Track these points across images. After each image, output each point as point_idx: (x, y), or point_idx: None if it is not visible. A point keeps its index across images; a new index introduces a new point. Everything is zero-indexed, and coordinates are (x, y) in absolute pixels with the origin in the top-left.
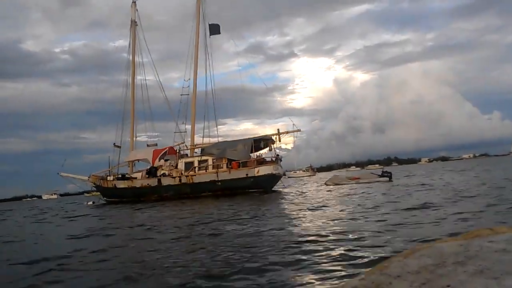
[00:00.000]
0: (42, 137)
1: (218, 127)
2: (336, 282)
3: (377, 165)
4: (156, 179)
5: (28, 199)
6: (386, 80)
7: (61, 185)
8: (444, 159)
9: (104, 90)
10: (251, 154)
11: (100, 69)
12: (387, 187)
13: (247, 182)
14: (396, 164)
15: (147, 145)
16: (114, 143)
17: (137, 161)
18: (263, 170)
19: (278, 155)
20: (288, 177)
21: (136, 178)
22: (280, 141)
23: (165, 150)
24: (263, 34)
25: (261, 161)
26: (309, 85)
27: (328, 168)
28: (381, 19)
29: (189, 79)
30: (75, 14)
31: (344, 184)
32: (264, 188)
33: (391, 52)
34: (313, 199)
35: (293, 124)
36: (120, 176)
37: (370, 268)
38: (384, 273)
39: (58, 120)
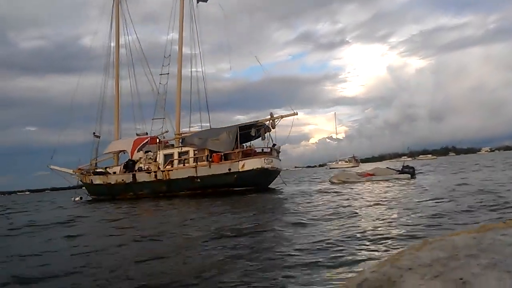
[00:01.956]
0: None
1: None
2: None
3: (429, 155)
4: (131, 175)
5: None
6: (443, 66)
7: None
8: (507, 148)
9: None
10: (244, 144)
11: (151, 61)
12: (400, 188)
13: (230, 179)
14: (454, 154)
15: (136, 135)
16: (94, 133)
17: (118, 153)
18: (250, 164)
19: (275, 144)
20: (330, 168)
21: (112, 173)
22: (274, 127)
23: (146, 139)
24: (313, 22)
25: (249, 153)
26: (361, 73)
27: (380, 158)
28: (437, 2)
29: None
30: (129, 9)
31: (353, 181)
32: (253, 186)
33: (449, 36)
34: (300, 204)
35: (294, 112)
36: (96, 170)
37: (381, 261)
38: (395, 265)
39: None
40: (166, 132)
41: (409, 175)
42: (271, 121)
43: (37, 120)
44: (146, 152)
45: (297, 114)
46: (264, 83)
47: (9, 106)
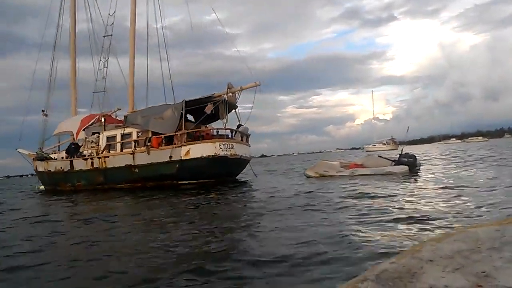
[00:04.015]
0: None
1: (312, 97)
2: None
3: (480, 138)
4: (69, 162)
5: None
6: (501, 42)
7: None
8: None
9: (198, 63)
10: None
11: (195, 42)
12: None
13: (171, 169)
14: (510, 135)
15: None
16: (43, 110)
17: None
18: (198, 151)
19: (240, 125)
20: (366, 151)
21: (54, 159)
22: (235, 102)
23: (95, 118)
24: None
25: (199, 136)
26: (410, 51)
27: (430, 140)
28: None
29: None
30: None
31: (333, 175)
32: (203, 179)
33: (506, 10)
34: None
35: (256, 82)
36: (40, 156)
37: (401, 252)
38: (415, 257)
39: (158, 93)
40: (119, 109)
41: (407, 168)
42: (229, 94)
43: None
44: (94, 133)
45: (259, 84)
46: (308, 62)
47: None
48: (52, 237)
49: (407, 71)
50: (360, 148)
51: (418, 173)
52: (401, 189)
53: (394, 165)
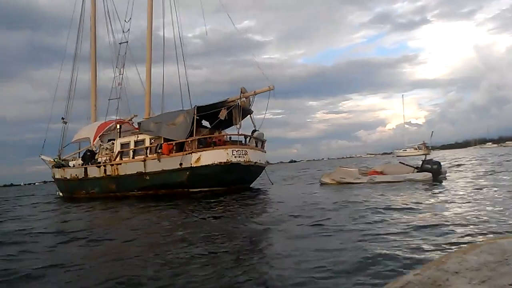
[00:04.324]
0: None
1: (342, 102)
2: None
3: None
4: (83, 169)
5: None
6: None
7: None
8: None
9: (228, 71)
10: (226, 131)
11: (225, 51)
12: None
13: (181, 177)
14: None
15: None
16: (63, 118)
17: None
18: (209, 157)
19: (255, 130)
20: (397, 156)
21: (71, 166)
22: (249, 106)
23: (111, 124)
24: (391, 1)
25: (211, 143)
26: (443, 54)
27: (465, 144)
28: None
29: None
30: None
31: (350, 182)
32: (215, 186)
33: None
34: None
35: (270, 86)
36: (57, 163)
37: (426, 263)
38: (441, 268)
39: (187, 101)
40: (135, 116)
41: (430, 175)
42: (243, 99)
43: None
44: (110, 140)
45: (273, 88)
46: (337, 67)
47: None
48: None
49: (441, 74)
50: (391, 152)
51: (443, 181)
52: (422, 198)
53: (417, 172)
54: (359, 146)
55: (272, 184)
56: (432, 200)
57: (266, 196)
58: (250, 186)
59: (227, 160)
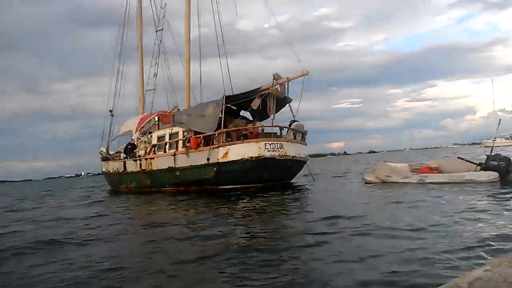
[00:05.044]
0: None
1: (426, 89)
2: None
3: None
4: (122, 163)
5: None
6: None
7: None
8: None
9: (305, 60)
10: (260, 123)
11: (303, 40)
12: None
13: (209, 173)
14: None
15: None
16: (110, 110)
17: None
18: (238, 152)
19: (294, 121)
20: (485, 147)
21: (116, 159)
22: (286, 93)
23: (153, 116)
24: None
25: (241, 135)
26: None
27: None
28: None
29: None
30: None
31: (396, 182)
32: (245, 183)
33: None
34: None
35: (303, 71)
36: (103, 156)
37: (496, 259)
38: None
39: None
40: (175, 107)
41: (496, 174)
42: (278, 87)
43: None
44: (150, 133)
45: (307, 73)
46: (422, 52)
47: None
48: None
49: None
50: (480, 143)
51: None
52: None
53: (480, 170)
54: (445, 135)
55: (314, 180)
56: (498, 210)
57: (301, 195)
58: (290, 182)
59: (259, 154)
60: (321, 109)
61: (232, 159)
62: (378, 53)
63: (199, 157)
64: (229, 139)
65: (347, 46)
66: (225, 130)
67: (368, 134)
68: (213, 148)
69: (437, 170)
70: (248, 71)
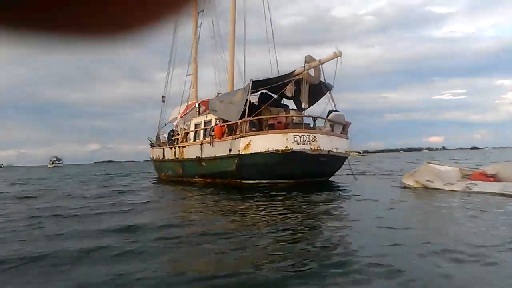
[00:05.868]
0: (350, 97)
1: None
2: None
3: None
4: (162, 150)
5: None
6: None
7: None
8: None
9: (404, 48)
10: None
11: (402, 27)
12: None
13: (230, 165)
14: None
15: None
16: (163, 96)
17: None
18: (261, 143)
19: (333, 110)
20: None
21: (160, 146)
22: (319, 80)
23: (194, 102)
24: None
25: (268, 125)
26: None
27: None
28: None
29: None
30: None
31: (439, 188)
32: (271, 178)
33: None
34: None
35: (336, 52)
36: (151, 142)
37: None
38: None
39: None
40: (219, 94)
41: None
42: (312, 71)
43: None
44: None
45: (340, 55)
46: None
47: None
48: None
49: None
50: None
51: None
52: None
53: None
54: None
55: (356, 179)
56: None
57: (333, 196)
58: (329, 180)
59: (286, 147)
60: (421, 100)
61: (254, 151)
62: (486, 39)
63: (222, 148)
64: (254, 129)
65: (451, 32)
66: (248, 119)
67: (472, 128)
68: (235, 139)
69: (494, 178)
70: (345, 60)
